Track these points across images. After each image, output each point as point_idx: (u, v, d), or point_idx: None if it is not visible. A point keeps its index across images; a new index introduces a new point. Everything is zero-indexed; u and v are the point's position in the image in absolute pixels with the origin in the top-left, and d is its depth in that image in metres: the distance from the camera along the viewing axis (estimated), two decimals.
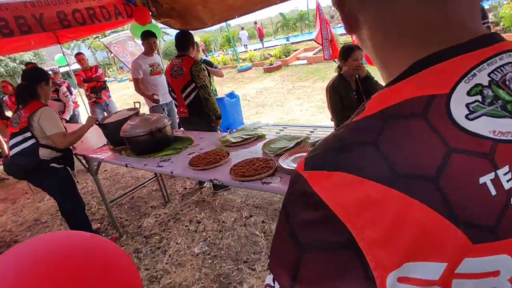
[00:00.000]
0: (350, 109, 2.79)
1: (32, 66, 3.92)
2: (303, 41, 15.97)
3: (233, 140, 2.21)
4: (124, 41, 6.37)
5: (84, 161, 2.81)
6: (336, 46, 4.72)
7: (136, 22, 4.37)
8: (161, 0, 4.50)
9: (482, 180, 0.28)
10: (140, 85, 3.92)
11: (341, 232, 0.29)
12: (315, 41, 4.25)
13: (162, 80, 4.00)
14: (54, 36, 5.75)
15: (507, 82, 0.31)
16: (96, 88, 5.31)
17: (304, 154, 1.79)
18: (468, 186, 0.28)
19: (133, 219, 3.30)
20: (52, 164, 2.55)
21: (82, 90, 5.69)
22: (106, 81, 5.51)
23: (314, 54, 11.45)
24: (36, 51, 18.25)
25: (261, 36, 18.64)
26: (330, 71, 9.06)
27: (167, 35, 22.51)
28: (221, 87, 10.51)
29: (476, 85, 0.31)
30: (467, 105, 0.30)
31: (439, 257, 0.28)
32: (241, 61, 13.65)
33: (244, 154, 2.01)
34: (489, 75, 0.31)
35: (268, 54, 12.85)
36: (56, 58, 7.59)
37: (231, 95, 3.79)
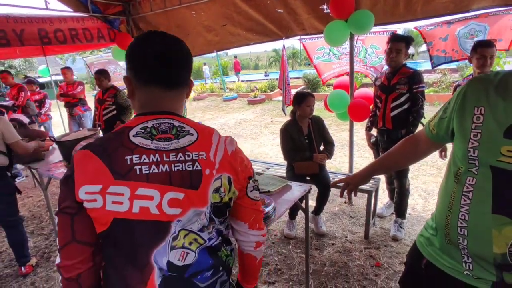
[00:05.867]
0: (300, 151, 2.97)
1: None
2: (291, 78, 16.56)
3: None
4: (105, 63, 6.58)
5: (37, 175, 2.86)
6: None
7: (118, 47, 4.57)
8: (145, 28, 4.76)
9: (127, 157, 0.73)
10: None
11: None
12: (279, 88, 4.35)
13: None
14: (40, 48, 5.91)
15: (158, 127, 0.79)
16: (69, 103, 5.43)
17: None
18: (123, 158, 0.73)
19: None
20: (6, 172, 2.58)
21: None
22: (82, 98, 5.61)
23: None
24: (27, 58, 18.38)
25: (237, 70, 19.46)
26: None
27: None
28: (203, 113, 10.74)
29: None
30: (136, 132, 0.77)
31: (99, 181, 0.71)
32: (228, 90, 14.03)
33: None
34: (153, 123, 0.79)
35: (254, 87, 13.28)
36: (40, 68, 7.69)
37: None
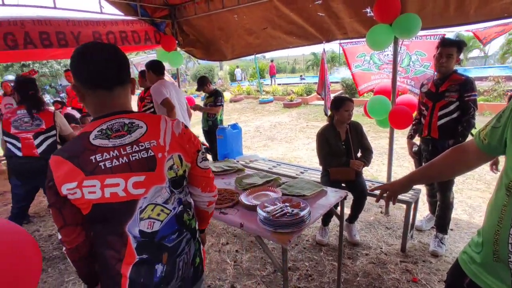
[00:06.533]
0: (337, 157, 2.91)
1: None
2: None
3: (214, 169, 2.38)
4: None
5: None
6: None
7: (162, 48, 4.79)
8: (188, 31, 4.96)
9: (91, 157, 0.91)
10: None
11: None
12: (317, 93, 4.25)
13: None
14: None
15: (112, 127, 0.96)
16: None
17: (267, 192, 1.93)
18: (88, 159, 0.91)
19: None
20: None
21: None
22: None
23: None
24: None
25: (272, 73, 19.55)
26: None
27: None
28: (239, 115, 10.89)
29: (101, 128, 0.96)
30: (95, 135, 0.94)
31: (74, 179, 0.89)
32: (264, 93, 14.11)
33: (218, 184, 2.17)
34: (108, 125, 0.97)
35: (291, 90, 13.23)
36: None
37: (234, 126, 4.02)
